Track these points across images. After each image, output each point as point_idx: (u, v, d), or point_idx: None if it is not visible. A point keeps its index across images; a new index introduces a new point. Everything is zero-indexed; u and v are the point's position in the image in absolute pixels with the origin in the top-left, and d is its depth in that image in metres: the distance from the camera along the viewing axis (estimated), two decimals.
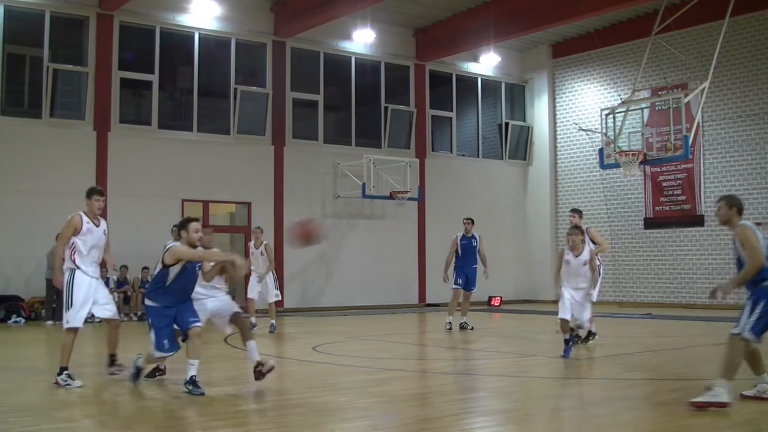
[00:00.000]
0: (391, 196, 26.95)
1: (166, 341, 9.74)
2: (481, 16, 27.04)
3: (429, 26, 28.96)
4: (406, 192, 27.08)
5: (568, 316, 13.21)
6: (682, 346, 15.65)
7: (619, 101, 25.41)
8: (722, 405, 8.39)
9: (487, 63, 30.83)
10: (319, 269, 26.65)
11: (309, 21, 25.51)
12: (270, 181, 26.13)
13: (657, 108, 26.28)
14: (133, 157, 23.65)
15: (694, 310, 25.54)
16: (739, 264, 9.01)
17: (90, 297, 10.48)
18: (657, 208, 28.16)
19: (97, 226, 10.75)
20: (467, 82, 31.44)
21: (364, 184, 26.38)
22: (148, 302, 9.92)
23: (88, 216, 10.67)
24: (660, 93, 26.55)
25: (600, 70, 30.39)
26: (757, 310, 8.66)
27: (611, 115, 23.57)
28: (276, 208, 26.05)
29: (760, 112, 26.01)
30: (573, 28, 29.62)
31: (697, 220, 27.06)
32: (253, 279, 18.25)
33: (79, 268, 10.44)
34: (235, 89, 25.47)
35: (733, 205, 9.22)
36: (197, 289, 10.22)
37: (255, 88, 26.01)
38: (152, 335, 9.78)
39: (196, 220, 10.15)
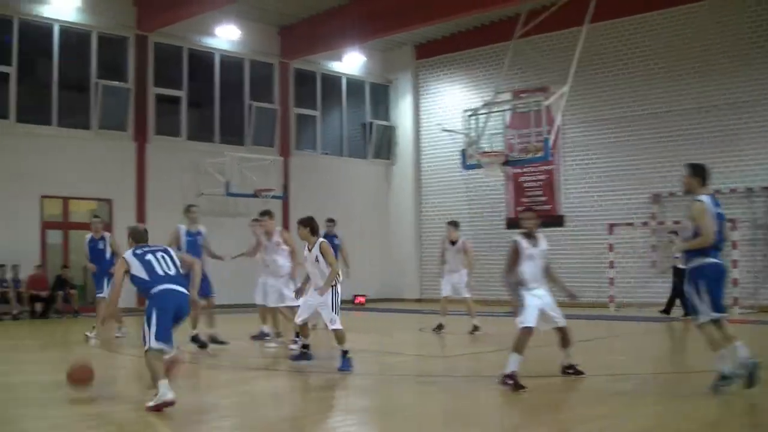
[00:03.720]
0: (255, 194, 27.87)
1: None
2: (346, 16, 28.31)
3: (294, 24, 30.09)
4: (270, 190, 28.16)
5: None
6: (543, 343, 16.58)
7: (482, 103, 26.57)
8: (169, 403, 8.98)
9: (351, 62, 32.21)
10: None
11: (173, 15, 26.27)
12: (132, 178, 26.76)
13: (519, 110, 27.71)
14: None
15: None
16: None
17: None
18: (518, 208, 29.70)
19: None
20: (332, 81, 32.74)
21: (227, 182, 27.32)
22: None
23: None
24: (522, 96, 28.14)
25: (463, 71, 32.04)
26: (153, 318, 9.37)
27: (474, 117, 24.57)
28: (138, 206, 26.72)
29: (617, 116, 28.03)
30: (437, 29, 31.19)
31: (557, 221, 28.90)
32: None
33: None
34: (96, 83, 25.98)
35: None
36: None
37: (117, 82, 26.56)
38: None
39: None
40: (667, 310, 23.04)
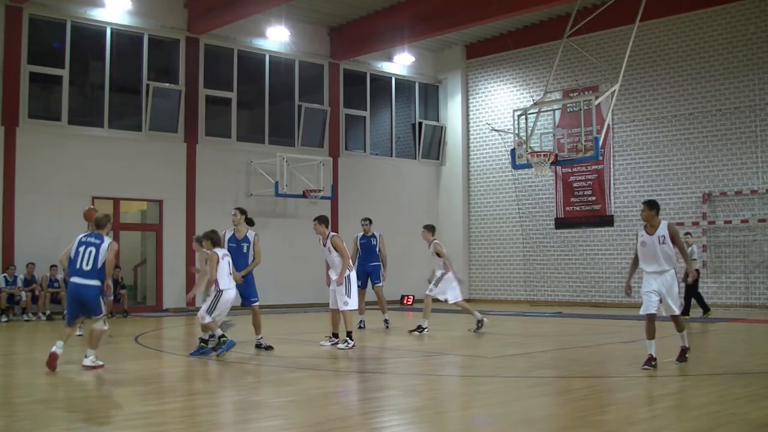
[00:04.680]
0: (304, 195, 27.96)
1: None
2: (396, 16, 28.30)
3: (344, 25, 30.12)
4: (319, 191, 28.21)
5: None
6: (592, 344, 16.53)
7: (532, 102, 26.40)
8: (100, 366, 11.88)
9: (401, 63, 32.20)
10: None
11: (223, 18, 26.38)
12: (182, 179, 26.91)
13: (568, 110, 27.59)
14: (43, 153, 24.27)
15: (603, 308, 26.94)
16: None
17: None
18: (568, 208, 29.61)
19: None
20: (381, 82, 32.75)
21: (277, 183, 27.41)
22: None
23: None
24: (571, 95, 27.95)
25: (513, 71, 31.85)
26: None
27: (523, 116, 24.40)
28: (188, 207, 26.86)
29: (668, 115, 27.67)
30: (487, 29, 31.06)
31: (607, 220, 28.63)
32: None
33: None
34: (148, 85, 26.20)
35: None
36: None
37: (167, 84, 26.81)
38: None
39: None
40: (686, 312, 23.08)
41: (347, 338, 15.04)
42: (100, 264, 11.93)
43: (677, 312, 12.15)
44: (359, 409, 9.49)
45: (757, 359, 13.99)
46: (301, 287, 28.27)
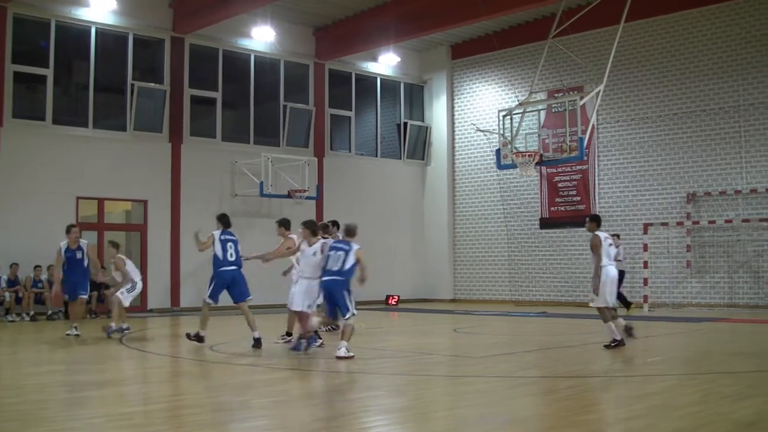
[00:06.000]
0: (289, 195, 27.92)
1: None
2: (381, 16, 28.30)
3: (329, 25, 30.13)
4: (305, 191, 28.18)
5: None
6: (576, 343, 16.62)
7: (517, 102, 26.47)
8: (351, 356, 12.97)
9: (386, 63, 32.20)
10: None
11: (208, 18, 26.34)
12: (167, 179, 26.87)
13: (553, 110, 27.67)
14: (27, 153, 24.15)
15: (588, 308, 26.87)
16: None
17: None
18: (552, 208, 29.68)
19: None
20: (366, 82, 32.75)
21: (261, 183, 27.37)
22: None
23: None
24: (556, 95, 28.00)
25: (498, 71, 31.88)
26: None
27: (508, 117, 24.48)
28: (173, 207, 26.82)
29: (653, 115, 27.77)
30: (472, 29, 31.08)
31: None
32: None
33: None
34: (132, 85, 26.13)
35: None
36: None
37: (152, 84, 26.74)
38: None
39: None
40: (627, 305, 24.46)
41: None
42: (348, 265, 13.26)
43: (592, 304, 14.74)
44: (345, 410, 9.48)
45: (740, 359, 14.06)
46: (286, 288, 28.04)
